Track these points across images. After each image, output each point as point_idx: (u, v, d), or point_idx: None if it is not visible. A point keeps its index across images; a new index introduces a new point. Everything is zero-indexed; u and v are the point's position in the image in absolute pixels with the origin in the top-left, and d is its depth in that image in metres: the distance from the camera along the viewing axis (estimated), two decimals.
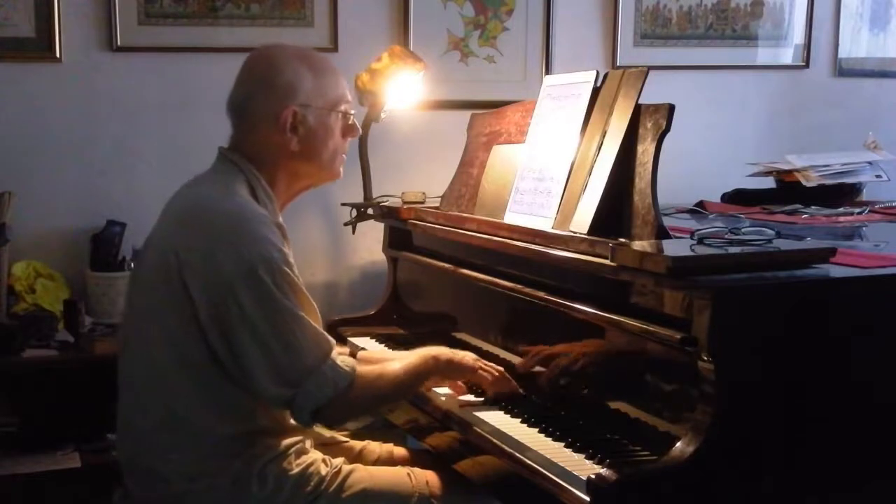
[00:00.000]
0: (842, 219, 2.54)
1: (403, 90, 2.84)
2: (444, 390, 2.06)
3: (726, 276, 1.57)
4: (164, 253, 1.77)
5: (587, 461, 1.65)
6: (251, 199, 1.84)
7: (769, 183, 3.07)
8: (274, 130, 1.86)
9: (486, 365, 2.00)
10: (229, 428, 1.80)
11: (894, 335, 1.65)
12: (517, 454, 1.71)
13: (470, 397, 2.03)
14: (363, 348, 2.42)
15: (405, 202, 2.65)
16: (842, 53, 3.70)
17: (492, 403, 1.97)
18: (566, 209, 1.96)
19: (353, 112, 1.98)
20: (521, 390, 2.00)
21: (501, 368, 2.02)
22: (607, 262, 1.70)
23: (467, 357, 2.00)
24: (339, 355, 1.80)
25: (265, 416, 1.83)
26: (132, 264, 2.70)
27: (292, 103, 1.86)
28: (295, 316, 1.74)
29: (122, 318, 1.97)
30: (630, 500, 1.46)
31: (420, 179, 2.90)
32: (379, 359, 2.12)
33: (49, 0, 2.86)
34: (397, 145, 3.15)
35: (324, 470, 1.88)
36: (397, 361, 1.93)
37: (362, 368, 1.81)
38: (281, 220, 1.89)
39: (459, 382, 2.05)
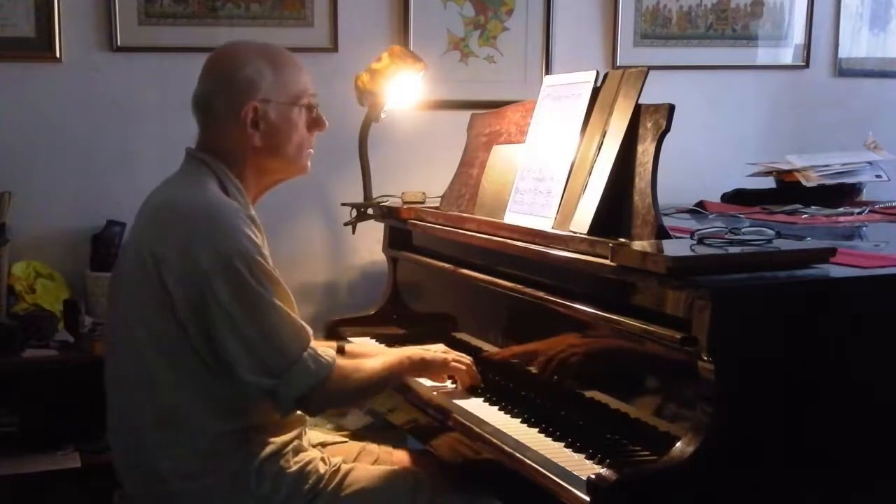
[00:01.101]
0: (842, 219, 2.54)
1: (403, 90, 2.83)
2: (428, 382, 2.10)
3: (726, 276, 1.57)
4: (139, 253, 1.78)
5: (587, 461, 1.65)
6: (222, 193, 1.84)
7: (769, 183, 3.07)
8: (236, 127, 1.86)
9: (457, 357, 2.07)
10: (223, 425, 1.80)
11: (894, 335, 1.65)
12: (517, 454, 1.71)
13: (467, 399, 2.03)
14: (349, 342, 2.42)
15: (405, 202, 2.65)
16: (842, 53, 3.69)
17: (486, 401, 2.00)
18: (566, 209, 1.96)
19: (317, 104, 1.96)
20: (481, 383, 2.06)
21: (470, 359, 2.08)
22: (607, 262, 1.70)
23: (438, 354, 2.06)
24: (319, 346, 1.81)
25: (259, 413, 1.83)
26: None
27: (252, 99, 1.86)
28: (273, 305, 1.75)
29: (107, 321, 1.98)
30: (630, 500, 1.46)
31: (420, 179, 2.90)
32: (364, 353, 2.16)
33: (49, 0, 2.86)
34: (397, 145, 3.15)
35: (322, 468, 1.88)
36: (376, 358, 1.96)
37: (341, 360, 1.83)
38: (253, 212, 1.89)
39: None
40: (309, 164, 1.98)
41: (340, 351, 2.18)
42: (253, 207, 1.91)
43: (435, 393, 2.06)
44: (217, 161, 1.87)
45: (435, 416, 2.01)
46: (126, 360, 1.82)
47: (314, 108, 1.95)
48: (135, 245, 1.82)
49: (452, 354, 2.08)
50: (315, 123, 1.96)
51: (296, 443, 1.89)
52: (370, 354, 2.14)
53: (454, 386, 2.08)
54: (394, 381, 2.01)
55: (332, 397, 1.85)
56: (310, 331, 1.81)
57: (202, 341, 1.75)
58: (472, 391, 2.05)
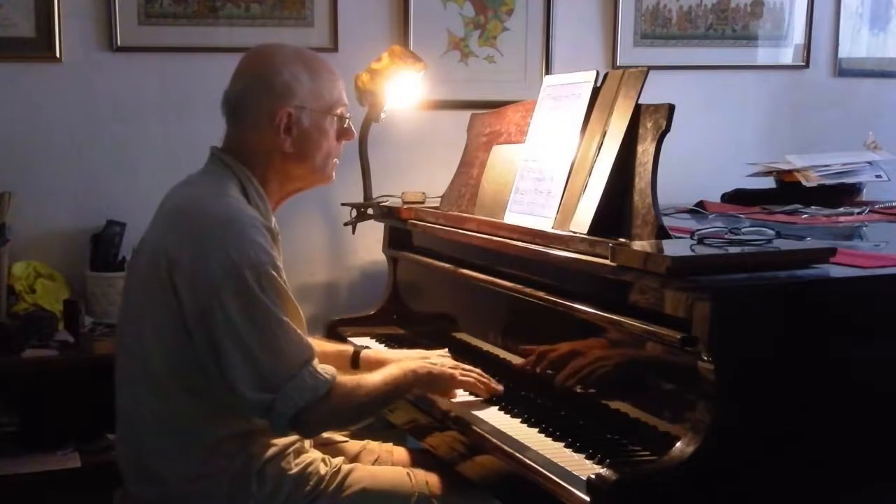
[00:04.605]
0: (842, 219, 2.54)
1: (403, 90, 2.84)
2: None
3: (726, 276, 1.57)
4: (155, 253, 1.77)
5: (587, 461, 1.65)
6: (243, 200, 1.82)
7: (769, 183, 3.08)
8: (268, 130, 1.85)
9: (464, 371, 2.01)
10: (226, 428, 1.79)
11: (894, 335, 1.65)
12: (517, 454, 1.71)
13: (465, 396, 2.02)
14: (366, 346, 2.40)
15: (405, 202, 2.65)
16: (842, 53, 3.70)
17: (486, 401, 1.99)
18: (566, 209, 1.96)
19: (349, 115, 1.96)
20: (500, 388, 2.00)
21: (478, 371, 2.03)
22: (607, 262, 1.70)
23: (446, 368, 1.99)
24: (320, 364, 1.77)
25: None
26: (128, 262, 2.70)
27: (288, 104, 1.85)
28: (278, 320, 1.72)
29: (118, 318, 1.97)
30: (630, 500, 1.46)
31: (420, 179, 2.90)
32: (381, 359, 2.12)
33: (49, 0, 2.86)
34: (397, 145, 3.15)
35: (323, 469, 1.88)
36: (377, 373, 1.89)
37: (341, 377, 1.78)
38: (274, 222, 1.88)
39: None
40: (334, 173, 1.97)
41: (356, 357, 2.17)
42: (273, 213, 1.90)
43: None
44: (241, 165, 1.86)
45: (435, 416, 2.01)
46: (133, 359, 1.82)
47: (346, 119, 1.95)
48: (152, 244, 1.81)
49: (460, 369, 2.00)
50: (344, 133, 1.95)
51: (297, 444, 1.89)
52: (387, 359, 2.09)
53: (472, 398, 2.01)
54: (398, 397, 1.96)
55: (331, 415, 1.79)
56: (313, 348, 1.77)
57: (206, 350, 1.73)
58: (489, 401, 1.99)
